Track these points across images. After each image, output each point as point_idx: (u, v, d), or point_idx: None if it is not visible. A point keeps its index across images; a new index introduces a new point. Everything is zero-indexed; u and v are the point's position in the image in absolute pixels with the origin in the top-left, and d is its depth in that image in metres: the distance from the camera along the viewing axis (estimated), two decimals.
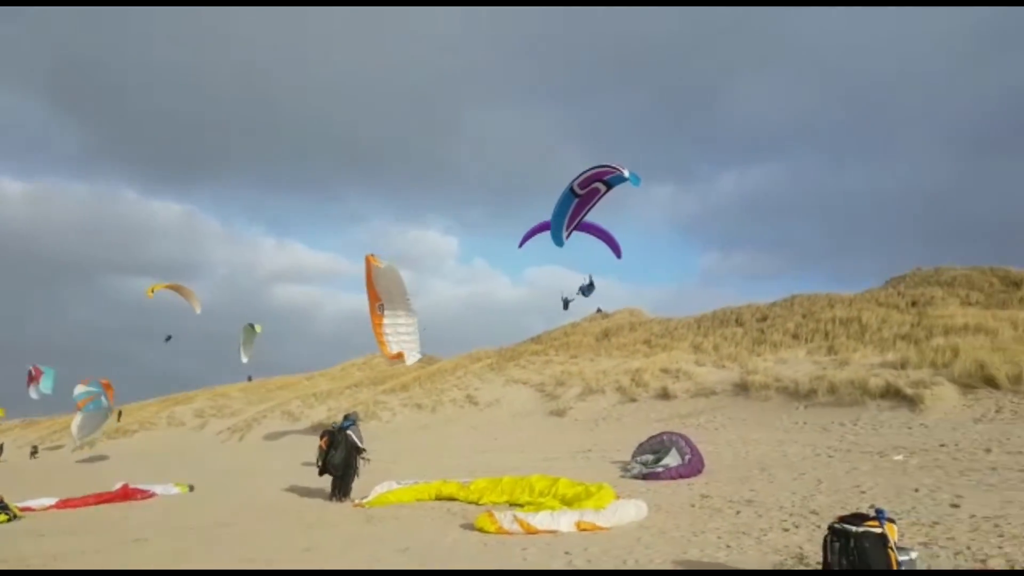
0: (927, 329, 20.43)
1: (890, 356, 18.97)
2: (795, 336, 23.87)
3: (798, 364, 20.71)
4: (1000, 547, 6.33)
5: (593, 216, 16.71)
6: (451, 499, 11.62)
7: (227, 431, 33.51)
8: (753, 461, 12.65)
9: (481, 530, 9.07)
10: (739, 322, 27.64)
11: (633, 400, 21.59)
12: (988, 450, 11.05)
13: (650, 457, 12.97)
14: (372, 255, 19.02)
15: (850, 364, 19.22)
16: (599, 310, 36.32)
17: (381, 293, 19.63)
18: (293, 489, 14.40)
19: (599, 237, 16.72)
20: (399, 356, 20.24)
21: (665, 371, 22.79)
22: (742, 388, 19.83)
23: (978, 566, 5.97)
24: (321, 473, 13.05)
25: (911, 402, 15.33)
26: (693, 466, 12.08)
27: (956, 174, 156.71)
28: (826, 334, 23.06)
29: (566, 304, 19.00)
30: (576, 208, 13.55)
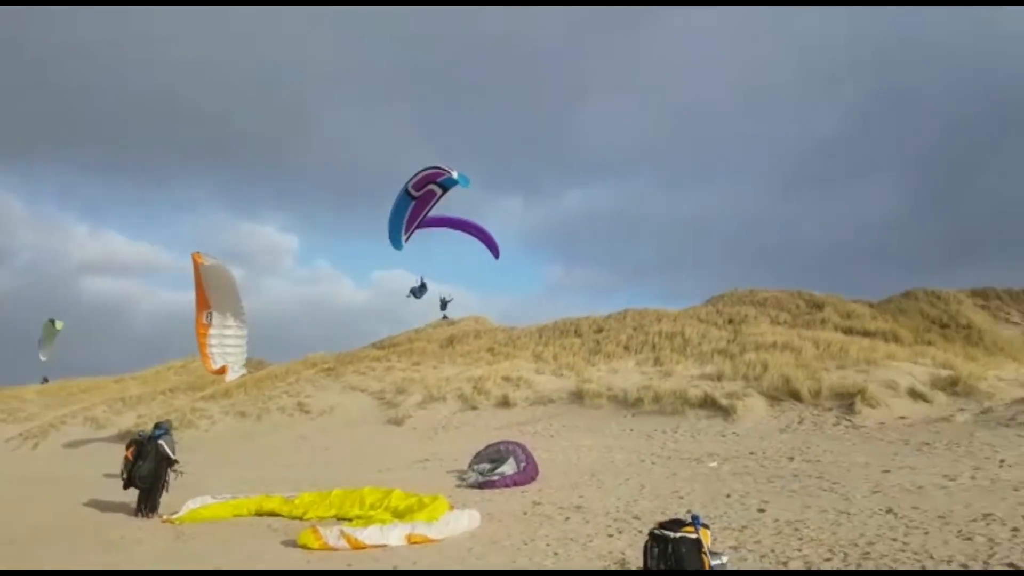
0: (741, 345, 22.22)
1: (708, 369, 20.42)
2: (627, 348, 25.06)
3: (628, 374, 21.74)
4: (799, 549, 6.84)
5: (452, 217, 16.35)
6: (273, 514, 10.88)
7: (19, 438, 29.48)
8: (584, 467, 13.00)
9: (304, 547, 8.55)
10: (577, 333, 28.58)
11: (474, 408, 21.58)
12: (791, 458, 12.08)
13: (487, 466, 12.95)
14: (198, 253, 17.35)
15: (673, 375, 20.46)
16: (445, 316, 36.16)
17: (212, 298, 17.89)
18: (94, 503, 12.88)
19: (476, 236, 16.45)
20: (222, 371, 18.65)
21: (507, 379, 23.01)
22: (577, 396, 20.44)
23: (780, 567, 6.39)
24: (126, 486, 11.82)
25: (725, 412, 16.53)
26: (528, 473, 12.19)
27: (771, 204, 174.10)
28: (653, 346, 24.42)
29: (444, 304, 18.45)
30: (414, 210, 13.27)
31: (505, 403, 21.27)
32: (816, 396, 16.40)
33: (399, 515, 9.63)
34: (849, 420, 14.89)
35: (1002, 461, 10.34)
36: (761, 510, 8.61)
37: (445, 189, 12.62)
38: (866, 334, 23.65)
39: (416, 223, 13.52)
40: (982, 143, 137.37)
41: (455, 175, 12.05)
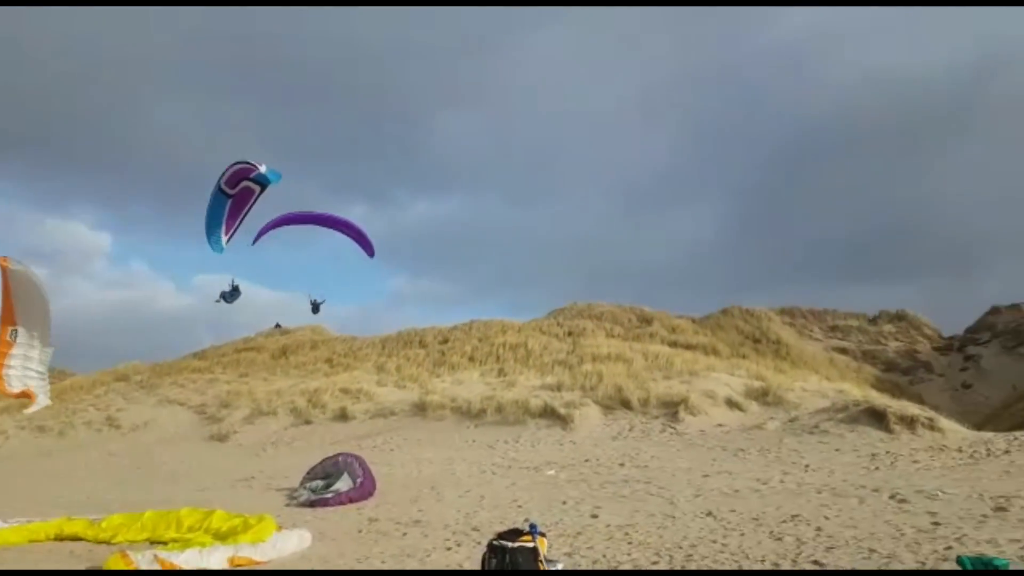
0: (579, 356, 23.10)
1: (549, 379, 20.99)
2: (471, 359, 25.18)
3: (472, 385, 21.80)
4: (629, 553, 7.07)
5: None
6: (76, 539, 9.65)
7: None
8: (424, 480, 12.76)
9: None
10: (422, 344, 28.33)
11: (308, 422, 20.62)
12: (622, 464, 12.60)
13: (320, 483, 12.32)
14: (5, 258, 15.02)
15: (516, 386, 20.80)
16: (278, 325, 34.33)
17: (19, 313, 15.48)
18: None
19: (347, 234, 15.36)
20: (24, 395, 16.25)
21: (345, 391, 22.24)
22: (420, 408, 20.15)
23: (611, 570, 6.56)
24: None
25: (563, 421, 17.00)
26: (364, 489, 11.73)
27: (609, 223, 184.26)
28: (498, 357, 24.75)
29: (316, 307, 17.04)
30: (232, 209, 12.27)
31: (343, 416, 20.53)
32: (645, 405, 17.34)
33: (221, 537, 8.89)
34: (674, 427, 15.84)
35: (807, 466, 11.41)
36: (594, 516, 8.84)
37: (262, 185, 11.83)
38: (689, 347, 25.52)
39: (237, 222, 12.52)
40: (792, 177, 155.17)
41: (262, 169, 11.32)
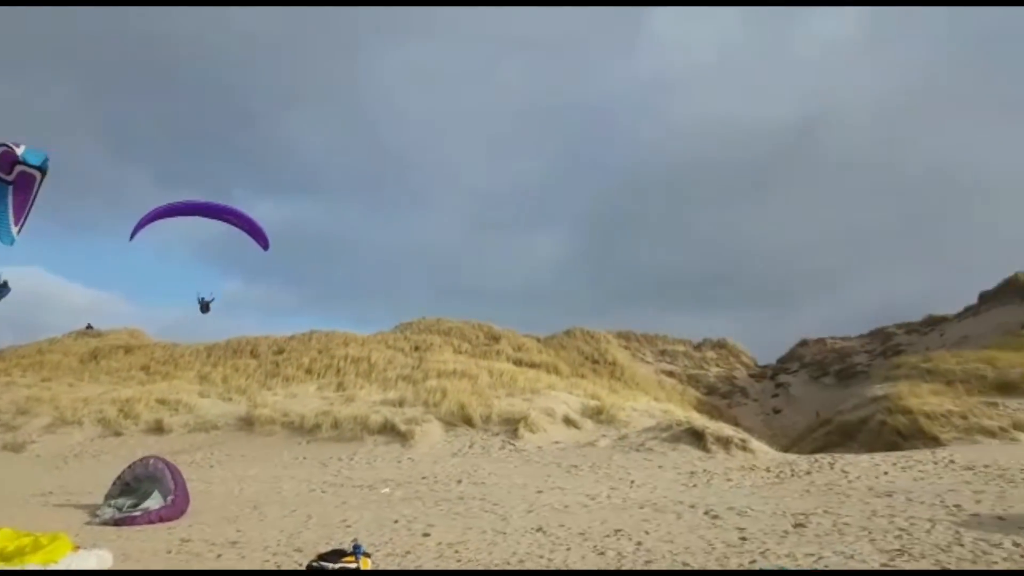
0: (424, 372, 22.83)
1: (391, 394, 20.51)
2: (309, 371, 24.14)
3: (307, 399, 20.84)
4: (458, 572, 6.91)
5: None
6: None
7: None
8: (246, 499, 11.91)
9: None
10: (254, 354, 26.81)
11: (118, 434, 18.73)
12: (459, 481, 12.46)
13: (127, 501, 11.10)
14: None
15: (356, 400, 20.13)
16: (89, 326, 31.13)
17: None
18: None
19: (237, 225, 13.86)
20: None
21: (162, 402, 20.48)
22: (247, 422, 18.97)
23: None
24: None
25: (403, 437, 16.63)
26: (177, 507, 10.71)
27: (464, 241, 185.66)
28: (338, 371, 23.90)
29: (206, 306, 15.07)
30: (17, 197, 10.95)
31: (158, 429, 18.89)
32: (487, 422, 17.39)
33: (6, 558, 7.74)
34: (513, 444, 15.99)
35: (632, 482, 11.86)
36: (426, 534, 8.62)
37: (40, 171, 10.67)
38: (533, 365, 26.07)
39: (27, 211, 11.13)
40: (636, 210, 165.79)
41: (20, 152, 10.23)
